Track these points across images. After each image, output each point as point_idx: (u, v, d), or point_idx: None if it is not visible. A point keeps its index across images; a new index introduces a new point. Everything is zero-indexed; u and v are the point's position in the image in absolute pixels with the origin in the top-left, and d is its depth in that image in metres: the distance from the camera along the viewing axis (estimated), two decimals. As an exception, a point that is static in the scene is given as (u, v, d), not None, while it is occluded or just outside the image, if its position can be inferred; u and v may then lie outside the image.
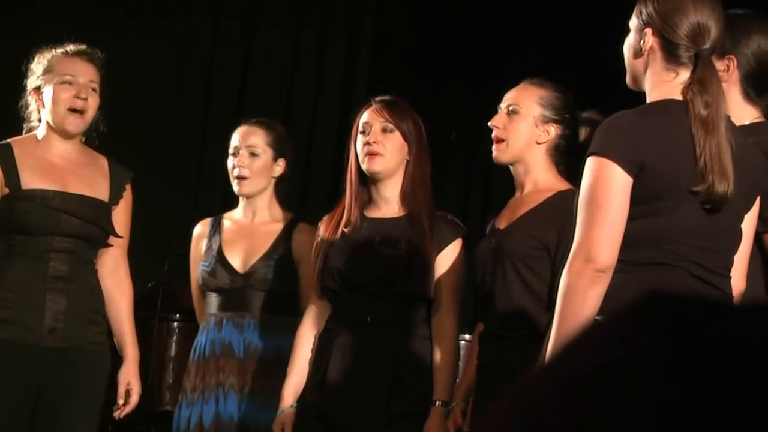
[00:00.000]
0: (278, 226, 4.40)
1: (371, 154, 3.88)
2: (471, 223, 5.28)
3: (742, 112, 3.34)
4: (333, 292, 3.96)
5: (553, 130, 3.67)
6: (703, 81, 2.92)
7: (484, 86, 7.03)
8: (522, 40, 6.94)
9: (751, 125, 3.35)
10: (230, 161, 4.39)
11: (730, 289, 3.02)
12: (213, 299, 4.34)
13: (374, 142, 3.88)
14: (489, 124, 3.71)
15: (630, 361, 0.70)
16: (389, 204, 3.94)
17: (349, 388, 3.83)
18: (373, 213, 3.96)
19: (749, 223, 3.07)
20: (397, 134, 3.90)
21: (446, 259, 3.86)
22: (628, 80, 3.08)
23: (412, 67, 6.91)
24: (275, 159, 4.40)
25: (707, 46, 2.95)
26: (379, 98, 3.99)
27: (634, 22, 3.04)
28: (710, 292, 2.94)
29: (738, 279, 3.07)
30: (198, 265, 4.41)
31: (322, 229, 4.02)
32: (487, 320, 3.67)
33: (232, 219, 4.45)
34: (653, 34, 2.96)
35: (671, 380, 0.69)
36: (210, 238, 4.40)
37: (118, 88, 6.18)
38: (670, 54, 2.96)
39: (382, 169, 3.89)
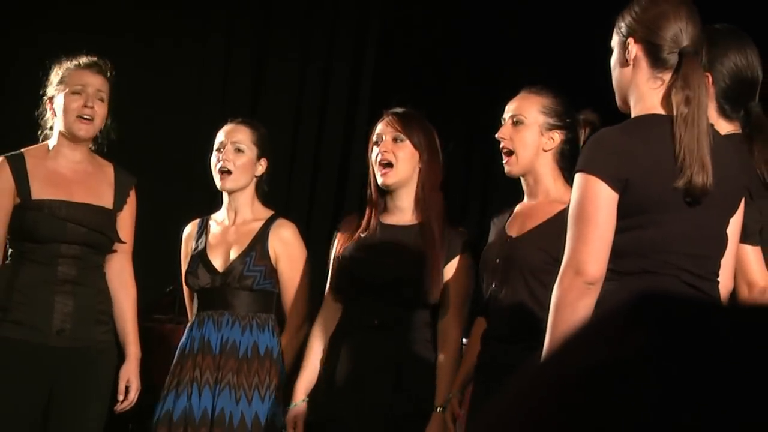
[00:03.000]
0: (258, 224, 4.27)
1: (383, 165, 3.86)
2: (468, 230, 5.25)
3: (718, 127, 3.31)
4: (345, 294, 3.92)
5: (558, 136, 3.60)
6: (687, 77, 2.87)
7: (478, 105, 7.04)
8: (515, 58, 6.95)
9: (726, 135, 3.32)
10: (214, 157, 4.28)
11: (719, 293, 2.97)
12: (198, 299, 4.25)
13: (385, 152, 3.87)
14: (496, 136, 3.63)
15: (620, 360, 0.68)
16: (403, 212, 3.91)
17: (356, 390, 3.78)
18: (389, 220, 3.93)
19: (735, 225, 3.02)
20: (408, 143, 3.88)
21: (455, 268, 3.82)
22: (618, 101, 3.02)
23: (412, 86, 6.92)
24: (258, 158, 4.30)
25: (688, 43, 2.90)
26: (391, 110, 3.98)
27: (614, 41, 2.99)
28: (699, 296, 2.90)
29: (726, 278, 3.02)
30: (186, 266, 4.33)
31: (339, 235, 4.00)
32: (491, 323, 3.60)
33: (217, 221, 4.34)
34: (636, 41, 2.92)
35: (660, 378, 0.67)
36: (197, 240, 4.31)
37: (141, 109, 6.25)
38: (655, 58, 2.91)
39: (394, 182, 3.87)
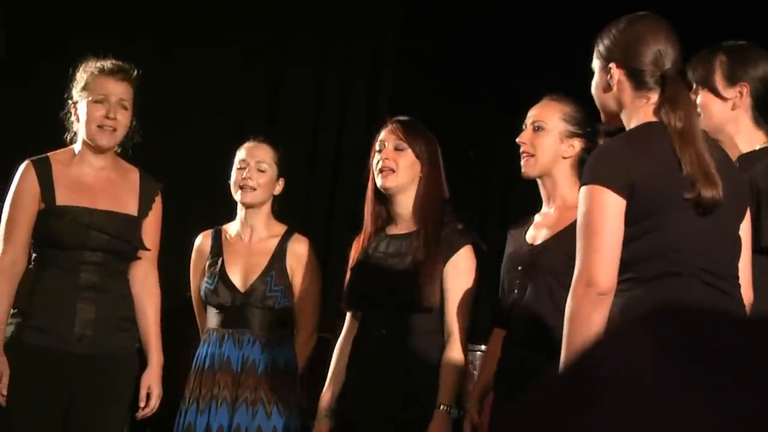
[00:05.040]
0: (274, 241, 4.33)
1: (383, 171, 3.88)
2: (488, 236, 5.26)
3: (753, 137, 3.34)
4: (355, 308, 3.96)
5: (578, 144, 3.62)
6: (674, 99, 2.90)
7: (497, 113, 7.05)
8: (535, 66, 6.94)
9: (762, 149, 3.33)
10: (235, 173, 4.33)
11: (740, 294, 2.96)
12: (215, 314, 4.27)
13: (386, 159, 3.89)
14: (517, 140, 3.66)
15: (639, 371, 0.69)
16: (404, 220, 3.91)
17: (367, 400, 3.80)
18: (392, 230, 3.94)
19: (744, 233, 3.02)
20: (409, 152, 3.89)
21: (454, 266, 3.80)
22: (603, 118, 3.06)
23: (431, 97, 6.94)
24: (278, 177, 4.36)
25: (669, 66, 2.93)
26: (395, 118, 4.00)
27: (595, 63, 3.02)
28: (721, 299, 2.87)
29: (745, 288, 3.01)
30: (198, 277, 4.35)
31: (353, 248, 4.02)
32: (511, 329, 3.61)
33: (231, 234, 4.38)
34: (618, 66, 2.95)
35: (678, 389, 0.67)
36: (213, 254, 4.34)
37: (161, 118, 6.29)
38: (638, 81, 2.94)
39: (393, 185, 3.88)
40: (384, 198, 3.94)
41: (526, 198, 3.84)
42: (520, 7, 7.11)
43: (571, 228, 3.52)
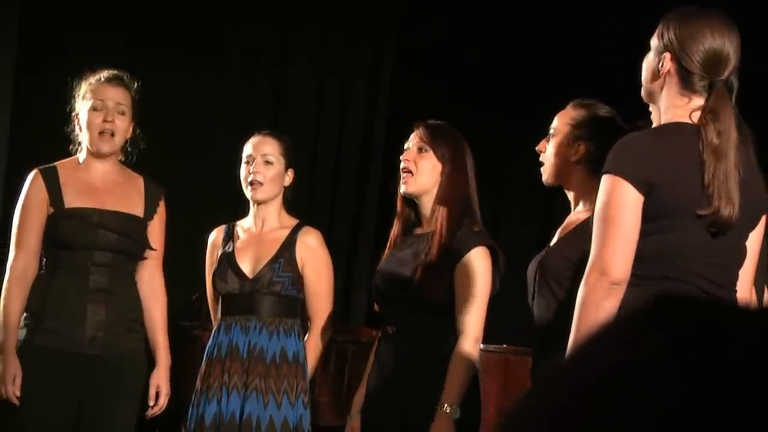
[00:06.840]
0: (285, 232, 4.35)
1: (403, 173, 3.90)
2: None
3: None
4: (379, 306, 3.97)
5: (583, 148, 3.59)
6: (716, 110, 2.87)
7: (497, 113, 7.05)
8: (531, 64, 6.94)
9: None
10: (243, 169, 4.36)
11: (736, 302, 2.92)
12: (225, 303, 4.31)
13: (407, 160, 3.90)
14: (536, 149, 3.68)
15: (638, 362, 0.69)
16: (427, 221, 3.91)
17: (379, 401, 3.82)
18: (417, 231, 3.94)
19: (754, 240, 3.02)
20: (431, 154, 3.89)
21: (465, 266, 3.77)
22: (643, 94, 3.03)
23: (429, 98, 6.94)
24: (286, 168, 4.38)
25: (722, 77, 2.91)
26: (420, 122, 4.00)
27: (654, 43, 2.99)
28: (716, 300, 2.88)
29: (744, 293, 3.02)
30: (213, 271, 4.38)
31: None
32: (532, 332, 3.61)
33: (243, 227, 4.41)
34: (671, 59, 2.92)
35: (678, 381, 0.67)
36: (224, 246, 4.37)
37: (165, 120, 6.30)
38: (686, 81, 2.92)
39: (413, 190, 3.88)
40: (412, 201, 3.95)
41: (523, 198, 3.84)
42: (520, 7, 7.11)
43: (575, 230, 3.51)
